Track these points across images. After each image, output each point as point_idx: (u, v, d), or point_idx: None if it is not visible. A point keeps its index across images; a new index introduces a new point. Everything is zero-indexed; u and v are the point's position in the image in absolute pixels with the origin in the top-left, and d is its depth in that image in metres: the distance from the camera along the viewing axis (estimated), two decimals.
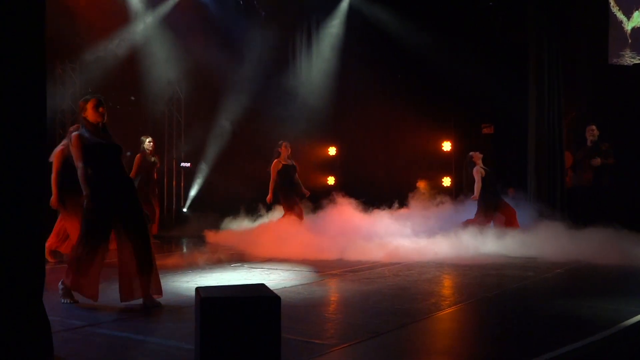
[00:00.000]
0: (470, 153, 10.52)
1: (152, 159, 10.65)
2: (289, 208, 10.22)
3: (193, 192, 14.44)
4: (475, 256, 8.41)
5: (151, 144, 10.61)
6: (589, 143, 10.87)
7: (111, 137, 5.60)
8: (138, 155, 10.48)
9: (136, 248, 5.38)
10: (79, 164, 5.41)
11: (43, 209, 3.62)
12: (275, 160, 10.21)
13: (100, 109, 5.51)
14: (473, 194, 10.23)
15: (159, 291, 5.50)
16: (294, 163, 10.50)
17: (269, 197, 10.26)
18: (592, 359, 4.13)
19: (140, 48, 12.79)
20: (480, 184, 10.10)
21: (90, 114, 5.50)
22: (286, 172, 10.23)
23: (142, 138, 10.73)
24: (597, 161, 10.66)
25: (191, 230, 12.00)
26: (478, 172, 10.20)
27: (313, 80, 14.63)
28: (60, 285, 5.55)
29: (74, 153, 5.44)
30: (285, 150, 10.28)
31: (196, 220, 12.68)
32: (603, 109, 12.20)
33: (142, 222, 5.52)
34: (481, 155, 10.46)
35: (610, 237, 8.96)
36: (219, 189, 13.94)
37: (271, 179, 10.18)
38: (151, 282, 5.41)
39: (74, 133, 5.51)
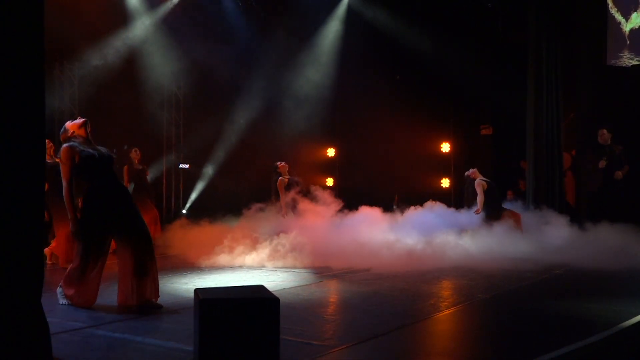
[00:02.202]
0: (466, 173, 10.48)
1: (140, 166, 10.83)
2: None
3: (194, 195, 14.43)
4: (474, 257, 8.39)
5: (136, 152, 10.82)
6: (599, 166, 10.84)
7: (103, 148, 5.63)
8: (125, 166, 10.68)
9: (135, 251, 5.39)
10: (64, 182, 5.36)
11: (42, 209, 3.61)
12: (280, 179, 10.31)
13: (89, 129, 5.60)
14: (475, 207, 10.14)
15: (156, 294, 5.49)
16: (297, 178, 10.60)
17: (282, 212, 10.23)
18: (592, 359, 4.14)
19: (139, 49, 12.78)
20: (482, 196, 10.03)
21: (71, 128, 5.58)
22: (291, 187, 10.31)
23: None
24: (603, 163, 10.68)
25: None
26: (480, 185, 10.12)
27: (312, 81, 14.62)
28: (59, 289, 5.54)
29: (62, 169, 5.39)
30: (283, 168, 10.40)
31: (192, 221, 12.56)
32: (602, 110, 12.21)
33: (142, 225, 5.52)
34: (475, 169, 10.42)
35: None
36: (219, 190, 13.93)
37: (280, 197, 10.23)
38: (150, 284, 5.40)
39: (64, 145, 5.47)
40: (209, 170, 14.37)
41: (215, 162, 14.33)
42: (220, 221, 10.66)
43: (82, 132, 5.57)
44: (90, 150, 5.45)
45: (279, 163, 10.52)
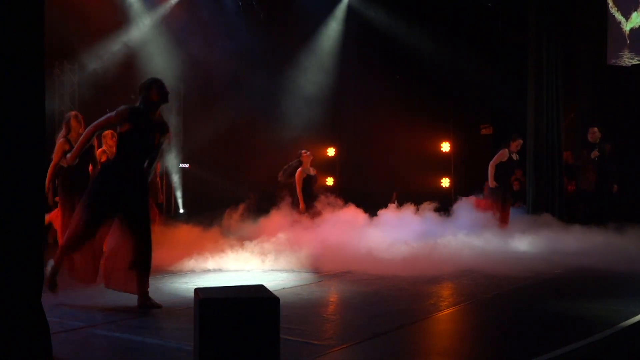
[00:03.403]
0: (514, 134, 10.28)
1: None
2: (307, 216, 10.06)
3: (179, 194, 14.42)
4: (474, 257, 8.38)
5: None
6: (591, 156, 10.83)
7: (162, 123, 5.51)
8: None
9: (136, 244, 5.31)
10: (91, 127, 5.32)
11: (42, 209, 3.62)
12: (300, 170, 10.07)
13: (165, 89, 5.45)
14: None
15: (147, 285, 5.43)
16: (315, 173, 10.43)
17: (301, 206, 9.99)
18: (592, 359, 4.13)
19: (139, 49, 12.78)
20: (493, 170, 9.95)
21: (154, 93, 5.40)
22: (307, 183, 10.16)
23: None
24: (595, 153, 10.72)
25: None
26: (497, 159, 10.02)
27: (312, 81, 14.62)
28: (50, 262, 5.35)
29: (103, 118, 5.35)
30: (307, 159, 10.16)
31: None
32: (602, 110, 12.21)
33: (146, 220, 5.42)
34: (520, 142, 10.17)
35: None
36: (218, 189, 13.93)
37: (298, 189, 10.01)
38: (147, 281, 5.38)
39: (128, 105, 5.36)
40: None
41: (213, 162, 14.33)
42: (207, 222, 10.41)
43: (161, 96, 5.41)
44: (142, 128, 5.32)
45: (303, 152, 10.23)
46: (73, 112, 7.84)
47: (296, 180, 10.04)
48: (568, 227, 10.18)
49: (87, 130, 5.44)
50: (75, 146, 5.52)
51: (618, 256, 8.29)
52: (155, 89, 5.40)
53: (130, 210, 5.36)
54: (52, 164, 7.46)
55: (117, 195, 5.31)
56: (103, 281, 5.43)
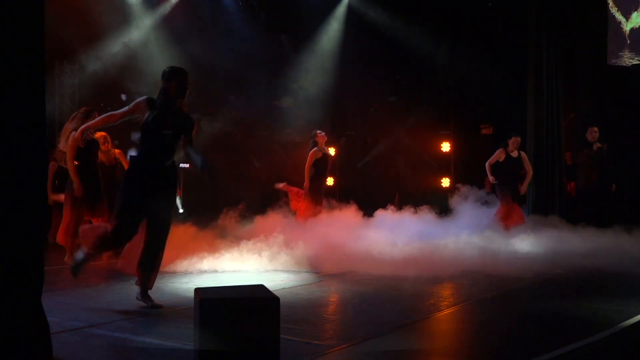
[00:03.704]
0: (512, 133, 10.27)
1: None
2: (313, 201, 10.01)
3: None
4: (474, 257, 8.38)
5: None
6: (594, 148, 10.82)
7: (184, 116, 5.35)
8: None
9: (148, 243, 5.28)
10: (113, 117, 5.24)
11: (43, 209, 3.62)
12: (315, 149, 10.01)
13: (185, 85, 5.26)
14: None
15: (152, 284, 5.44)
16: (329, 153, 10.37)
17: (305, 183, 9.93)
18: (592, 359, 4.13)
19: (139, 49, 12.78)
20: (490, 169, 9.97)
21: (173, 86, 5.24)
22: (321, 163, 10.10)
23: None
24: (597, 145, 10.73)
25: None
26: (493, 159, 10.05)
27: (312, 81, 14.62)
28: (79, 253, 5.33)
29: (122, 110, 5.23)
30: (321, 139, 10.09)
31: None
32: (602, 110, 12.21)
33: (166, 221, 5.36)
34: (517, 139, 10.14)
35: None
36: (218, 189, 13.92)
37: (307, 165, 9.93)
38: (149, 280, 5.37)
39: (146, 97, 5.23)
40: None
41: (215, 162, 14.30)
42: (204, 222, 10.33)
43: (180, 90, 5.25)
44: (165, 116, 5.18)
45: (318, 132, 10.17)
46: (95, 111, 7.57)
47: (309, 157, 10.01)
48: (569, 228, 10.18)
49: (103, 116, 5.35)
50: (85, 124, 5.45)
51: (619, 256, 8.30)
52: (175, 83, 5.25)
53: (153, 208, 5.27)
54: (69, 161, 7.30)
55: (146, 191, 5.20)
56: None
